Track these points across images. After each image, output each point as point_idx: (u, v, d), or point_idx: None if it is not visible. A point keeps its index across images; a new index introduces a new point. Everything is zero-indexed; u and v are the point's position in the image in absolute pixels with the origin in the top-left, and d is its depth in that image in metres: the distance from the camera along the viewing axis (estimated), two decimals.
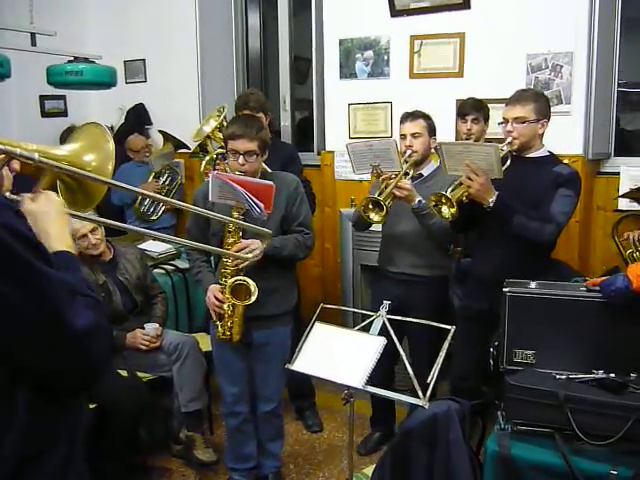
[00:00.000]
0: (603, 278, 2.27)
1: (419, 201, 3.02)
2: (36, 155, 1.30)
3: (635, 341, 2.10)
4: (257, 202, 2.45)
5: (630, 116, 4.82)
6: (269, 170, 3.05)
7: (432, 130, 3.25)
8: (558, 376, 2.07)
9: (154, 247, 4.28)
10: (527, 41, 4.05)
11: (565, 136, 3.75)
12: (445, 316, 3.27)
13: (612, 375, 2.01)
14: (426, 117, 3.25)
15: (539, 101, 2.85)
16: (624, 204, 4.08)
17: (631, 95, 4.77)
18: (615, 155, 4.39)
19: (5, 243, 1.06)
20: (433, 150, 3.33)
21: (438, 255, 3.26)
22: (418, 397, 1.92)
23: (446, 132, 4.03)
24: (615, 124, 4.44)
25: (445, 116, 4.14)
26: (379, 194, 2.96)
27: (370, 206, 2.96)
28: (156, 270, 4.08)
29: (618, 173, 4.21)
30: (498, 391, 2.20)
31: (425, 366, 2.47)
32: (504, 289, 2.38)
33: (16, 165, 1.31)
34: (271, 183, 2.55)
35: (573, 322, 2.22)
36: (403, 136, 3.21)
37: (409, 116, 3.24)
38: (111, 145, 1.54)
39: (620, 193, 4.12)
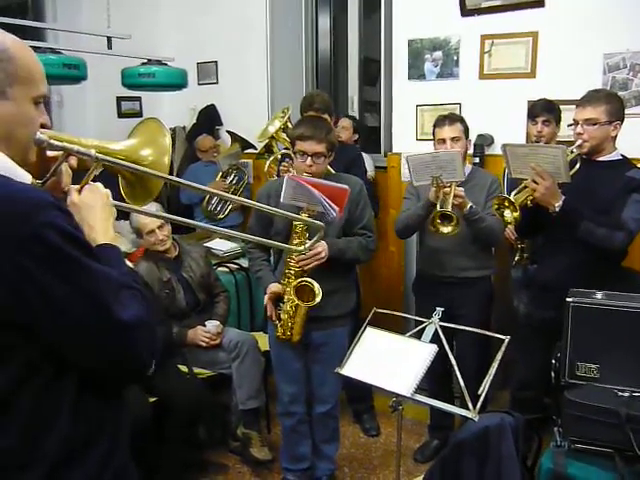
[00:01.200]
0: None
1: (470, 207, 2.96)
2: (93, 152, 1.32)
3: None
4: (332, 205, 2.44)
5: None
6: (333, 172, 3.04)
7: (467, 132, 3.21)
8: (620, 393, 1.97)
9: (220, 245, 4.35)
10: (604, 39, 3.87)
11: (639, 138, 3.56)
12: (491, 315, 3.23)
13: None
14: (462, 120, 3.22)
15: (612, 102, 2.71)
16: None
17: None
18: None
19: (52, 242, 1.09)
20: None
21: (484, 256, 3.24)
22: (468, 408, 1.86)
23: (516, 134, 3.92)
24: None
25: (516, 118, 4.02)
26: (442, 206, 2.90)
27: (438, 220, 2.90)
28: (220, 268, 4.14)
29: None
30: (556, 406, 2.10)
31: (473, 371, 2.41)
32: (568, 299, 2.28)
33: (73, 161, 1.34)
34: (346, 187, 2.53)
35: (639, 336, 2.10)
36: (441, 140, 3.15)
37: (446, 120, 3.19)
38: (167, 140, 1.56)
39: None
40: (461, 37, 4.35)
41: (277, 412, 3.14)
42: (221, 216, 4.77)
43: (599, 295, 2.28)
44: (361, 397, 3.80)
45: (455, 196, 2.91)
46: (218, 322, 3.46)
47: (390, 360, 2.08)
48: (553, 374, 2.39)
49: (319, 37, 5.60)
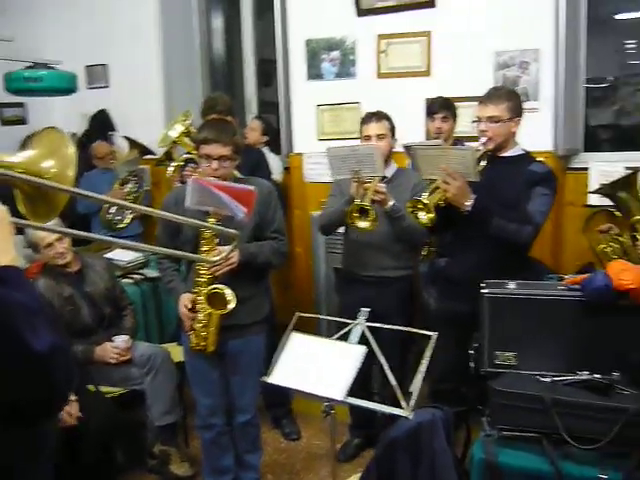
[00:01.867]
0: (583, 276, 2.25)
1: (393, 204, 2.98)
2: None
3: (616, 339, 2.08)
4: (239, 206, 2.38)
5: (596, 112, 4.86)
6: (239, 175, 2.98)
7: (393, 131, 3.23)
8: (542, 378, 2.04)
9: (122, 256, 4.16)
10: (494, 38, 4.04)
11: (534, 133, 3.73)
12: (415, 316, 3.28)
13: (597, 376, 1.99)
14: (388, 118, 3.23)
15: (512, 99, 2.82)
16: (594, 199, 4.09)
17: (596, 91, 4.80)
18: (584, 151, 4.42)
19: None
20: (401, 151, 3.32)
21: (408, 256, 3.25)
22: (401, 407, 1.87)
23: (416, 131, 4.01)
24: (583, 120, 4.46)
25: (414, 115, 4.11)
26: (361, 200, 2.90)
27: (355, 214, 2.89)
28: (124, 280, 3.97)
29: (587, 169, 4.23)
30: (482, 396, 2.16)
31: (398, 369, 2.43)
32: (482, 290, 2.34)
33: None
34: (252, 188, 2.48)
35: (554, 322, 2.19)
36: (367, 137, 3.17)
37: (373, 117, 3.20)
38: (71, 150, 1.44)
39: (589, 188, 4.14)
40: (357, 37, 4.41)
41: (196, 425, 3.04)
42: (121, 225, 4.58)
43: (512, 285, 2.36)
44: (280, 402, 3.76)
45: (376, 192, 2.92)
46: (127, 336, 3.31)
47: (319, 365, 2.05)
48: (472, 364, 2.45)
49: (212, 37, 5.50)
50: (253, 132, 4.67)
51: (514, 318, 2.25)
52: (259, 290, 2.90)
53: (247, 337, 2.83)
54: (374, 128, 3.16)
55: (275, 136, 4.93)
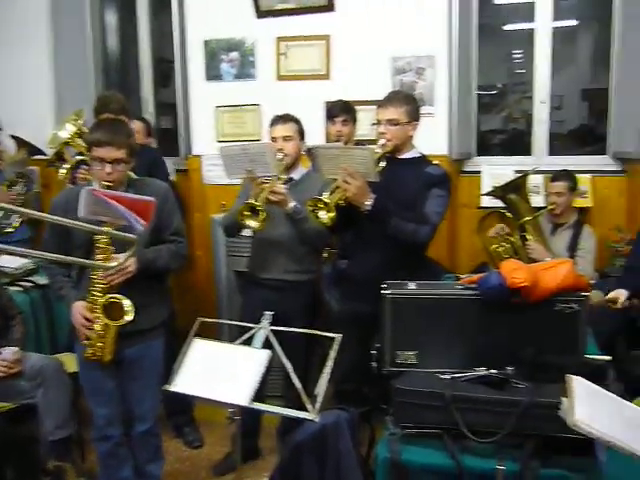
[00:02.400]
0: (478, 275, 2.32)
1: (294, 205, 2.98)
2: None
3: (510, 336, 2.16)
4: (137, 218, 2.28)
5: (486, 117, 5.08)
6: (134, 176, 2.87)
7: (302, 133, 3.23)
8: (442, 376, 2.09)
9: (9, 262, 3.92)
10: (391, 44, 4.14)
11: (430, 137, 3.84)
12: (317, 319, 3.29)
13: (493, 371, 2.06)
14: (296, 120, 3.23)
15: (410, 103, 2.90)
16: (486, 201, 4.27)
17: (486, 98, 5.02)
18: (476, 155, 4.60)
19: None
20: (304, 154, 3.32)
21: (311, 259, 3.25)
22: (306, 410, 1.87)
23: (316, 135, 4.03)
24: (475, 125, 4.65)
25: (314, 118, 4.14)
26: (255, 199, 2.88)
27: (246, 212, 2.87)
28: (12, 288, 3.74)
29: (479, 172, 4.41)
30: (385, 395, 2.19)
31: (301, 372, 2.42)
32: (384, 291, 2.36)
33: None
34: (152, 199, 2.38)
35: (452, 320, 2.25)
36: (274, 139, 3.17)
37: (280, 119, 3.20)
38: None
39: (482, 191, 4.31)
40: (257, 38, 4.39)
41: (92, 437, 2.91)
42: (9, 230, 4.32)
43: (412, 285, 2.39)
44: (181, 410, 3.66)
45: (274, 192, 2.90)
46: (15, 348, 3.12)
47: (222, 371, 2.01)
48: (375, 364, 2.48)
49: (107, 34, 5.30)
50: (136, 134, 4.52)
51: (414, 318, 2.29)
52: (159, 295, 2.81)
53: (146, 343, 2.74)
54: (280, 130, 3.16)
55: (163, 137, 4.82)
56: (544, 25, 4.45)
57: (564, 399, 1.59)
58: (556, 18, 4.45)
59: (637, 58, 3.98)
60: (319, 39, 4.26)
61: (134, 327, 2.60)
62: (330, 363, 1.99)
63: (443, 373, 2.12)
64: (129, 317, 2.50)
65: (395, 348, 2.31)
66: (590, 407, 1.55)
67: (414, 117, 2.90)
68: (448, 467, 1.87)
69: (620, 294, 3.11)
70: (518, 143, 4.96)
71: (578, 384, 1.66)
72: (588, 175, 4.20)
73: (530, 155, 4.56)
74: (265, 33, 4.35)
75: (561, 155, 4.57)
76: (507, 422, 1.87)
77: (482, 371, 2.08)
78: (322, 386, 1.93)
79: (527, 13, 4.53)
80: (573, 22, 4.89)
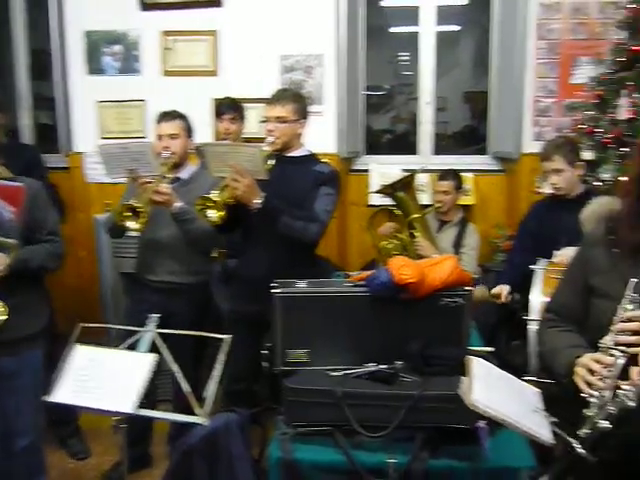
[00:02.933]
0: (367, 272, 2.34)
1: (180, 206, 2.90)
2: None
3: (398, 331, 2.20)
4: (6, 205, 2.14)
5: (374, 117, 5.18)
6: (8, 174, 2.69)
7: (189, 131, 3.15)
8: (333, 373, 2.10)
9: None
10: (280, 42, 4.13)
11: (319, 135, 3.87)
12: (208, 320, 3.22)
13: (382, 366, 2.09)
14: (183, 117, 3.14)
15: (298, 101, 2.89)
16: (375, 199, 4.35)
17: (374, 98, 5.13)
18: (365, 154, 4.68)
19: None
20: (192, 151, 3.24)
21: (199, 260, 3.17)
22: (196, 415, 1.81)
23: (204, 132, 3.95)
24: (363, 125, 4.73)
25: (202, 115, 4.06)
26: (135, 200, 2.78)
27: (126, 213, 2.76)
28: None
29: (368, 170, 4.49)
30: (276, 395, 2.17)
31: (191, 375, 2.36)
32: (274, 290, 2.34)
33: None
34: (21, 184, 2.24)
35: (342, 318, 2.26)
36: (159, 137, 3.07)
37: (165, 116, 3.10)
38: None
39: (370, 189, 4.39)
40: (141, 32, 4.25)
41: None
42: None
43: (302, 284, 2.39)
44: (65, 420, 3.48)
45: (159, 193, 2.81)
46: None
47: (106, 377, 1.91)
48: (266, 364, 2.45)
49: None
50: None
51: (305, 316, 2.28)
52: (35, 298, 2.64)
53: (23, 352, 2.56)
54: (166, 128, 3.06)
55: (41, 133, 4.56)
56: (428, 29, 4.59)
57: (463, 378, 1.63)
58: (439, 23, 4.61)
59: (513, 63, 4.19)
60: (206, 34, 4.19)
61: (8, 335, 2.42)
62: (219, 365, 1.94)
63: (334, 370, 2.12)
64: (3, 317, 2.33)
65: (286, 347, 2.29)
66: (487, 387, 1.59)
67: (303, 115, 2.89)
68: (340, 463, 1.87)
69: (503, 289, 3.25)
70: (405, 143, 5.10)
71: (477, 364, 1.70)
72: (470, 174, 4.38)
73: (416, 154, 4.69)
74: (150, 26, 4.22)
75: (445, 155, 4.74)
76: (397, 416, 1.89)
77: (372, 367, 2.10)
78: (211, 388, 1.88)
79: (412, 17, 4.66)
80: (455, 27, 5.08)
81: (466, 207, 4.28)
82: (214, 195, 2.63)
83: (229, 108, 3.75)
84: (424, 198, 4.25)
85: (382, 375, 2.05)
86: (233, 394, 3.01)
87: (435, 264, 2.30)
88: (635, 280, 1.59)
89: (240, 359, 2.94)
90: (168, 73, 4.27)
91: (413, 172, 3.88)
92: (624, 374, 1.51)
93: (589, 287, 1.81)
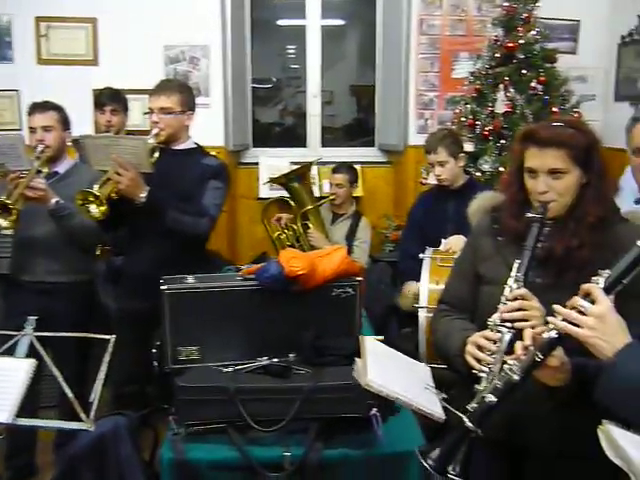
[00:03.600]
0: (258, 266, 2.32)
1: (56, 202, 2.74)
2: None
3: (289, 323, 2.20)
4: None
5: (262, 110, 5.15)
6: None
7: (66, 123, 2.98)
8: (225, 369, 2.06)
9: None
10: (163, 32, 4.01)
11: (206, 128, 3.80)
12: (95, 321, 3.08)
13: (275, 360, 2.08)
14: (58, 108, 2.97)
15: (184, 92, 2.81)
16: (265, 192, 4.34)
17: (261, 91, 5.10)
18: (253, 146, 4.65)
19: None
20: (70, 145, 3.08)
21: (81, 258, 3.02)
22: (81, 420, 1.72)
23: (83, 124, 3.77)
24: (251, 117, 4.70)
25: (81, 107, 3.87)
26: (7, 196, 2.60)
27: None
28: None
29: (257, 163, 4.46)
30: (167, 395, 2.10)
31: (74, 378, 2.25)
32: (162, 287, 2.27)
33: None
34: None
35: (233, 312, 2.22)
36: (33, 129, 2.89)
37: (38, 107, 2.92)
38: None
39: (260, 182, 4.37)
40: (12, 17, 3.99)
41: None
42: None
43: (191, 279, 2.33)
44: None
45: (33, 188, 2.65)
46: None
47: None
48: (156, 363, 2.38)
49: None
50: None
51: (195, 312, 2.23)
52: None
53: None
54: (39, 120, 2.88)
55: None
56: (314, 22, 4.61)
57: (357, 360, 1.64)
58: (326, 16, 4.64)
59: (397, 57, 4.29)
60: (84, 22, 3.99)
61: None
62: (104, 367, 1.85)
63: (227, 366, 2.09)
64: None
65: (176, 345, 2.24)
66: (381, 367, 1.61)
67: (189, 106, 2.82)
68: (235, 460, 1.84)
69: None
70: (293, 136, 5.11)
71: (370, 345, 1.72)
72: (358, 166, 4.44)
73: (305, 147, 4.71)
74: (22, 11, 3.97)
75: (333, 147, 4.79)
76: (291, 409, 1.89)
77: (264, 361, 2.08)
78: (97, 392, 1.79)
79: (299, 10, 4.67)
80: (340, 21, 5.14)
81: (355, 199, 4.34)
82: (96, 190, 2.51)
83: (111, 99, 3.60)
84: (314, 191, 4.27)
85: (275, 369, 2.03)
86: (123, 396, 2.90)
87: (325, 255, 2.31)
88: (519, 261, 1.67)
89: (129, 360, 2.83)
90: (43, 61, 4.04)
91: (310, 163, 3.89)
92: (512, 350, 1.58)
93: (478, 275, 1.89)
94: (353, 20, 5.17)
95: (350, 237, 4.00)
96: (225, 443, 1.88)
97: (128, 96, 3.72)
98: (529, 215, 1.71)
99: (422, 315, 2.80)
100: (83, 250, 3.00)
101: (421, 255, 2.94)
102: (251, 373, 2.04)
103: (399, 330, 3.56)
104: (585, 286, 1.28)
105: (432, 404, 1.56)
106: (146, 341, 2.64)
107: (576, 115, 3.57)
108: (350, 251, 3.74)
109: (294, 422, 1.89)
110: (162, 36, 4.02)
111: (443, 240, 3.06)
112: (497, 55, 3.65)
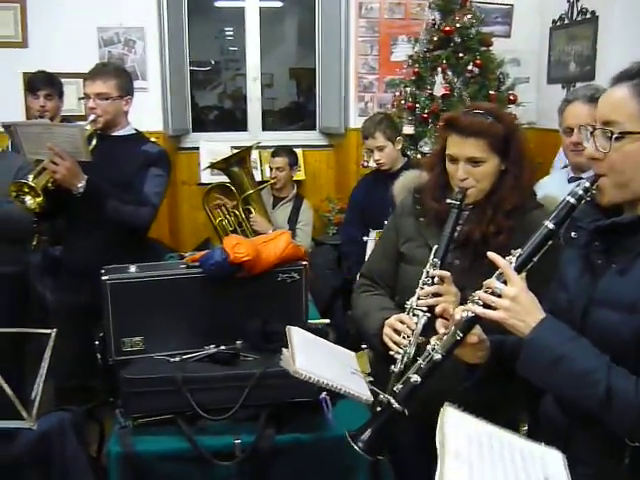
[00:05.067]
0: (202, 253, 2.30)
1: None
2: None
3: (236, 310, 2.18)
4: None
5: (201, 94, 5.07)
6: None
7: None
8: (172, 359, 2.04)
9: None
10: (97, 13, 3.88)
11: (144, 113, 3.72)
12: (31, 314, 2.99)
13: (222, 347, 2.06)
14: None
15: (121, 76, 2.74)
16: (206, 177, 4.28)
17: (200, 74, 5.01)
18: (193, 131, 4.57)
19: None
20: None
21: (12, 249, 2.92)
22: (22, 418, 1.67)
23: (14, 110, 3.64)
24: (190, 101, 4.61)
25: (11, 91, 3.73)
26: None
27: None
28: None
29: (198, 148, 4.39)
30: (112, 387, 2.06)
31: (15, 376, 2.19)
32: (103, 277, 2.22)
33: None
34: None
35: (178, 301, 2.19)
36: None
37: None
38: None
39: (201, 167, 4.30)
40: None
41: None
42: None
43: (133, 269, 2.28)
44: None
45: None
46: None
47: None
48: (99, 356, 2.33)
49: None
50: None
51: (139, 302, 2.18)
52: None
53: None
54: None
55: None
56: (252, 4, 4.55)
57: (284, 350, 1.65)
58: None
59: (337, 40, 4.28)
60: (11, 2, 3.82)
61: None
62: (45, 362, 1.80)
63: (173, 356, 2.06)
64: None
65: (120, 336, 2.19)
66: (308, 354, 1.63)
67: (127, 91, 2.75)
68: (185, 451, 1.83)
69: None
70: (233, 119, 5.05)
71: (296, 334, 1.73)
72: (300, 150, 4.43)
73: (246, 131, 4.67)
74: None
75: (274, 131, 4.76)
76: (240, 396, 1.88)
77: (212, 349, 2.06)
78: (39, 388, 1.74)
79: None
80: (279, 3, 5.08)
81: (297, 182, 4.33)
82: (31, 180, 2.43)
83: (44, 83, 3.46)
84: (255, 175, 4.24)
85: (222, 356, 2.02)
86: (66, 391, 2.83)
87: (269, 240, 2.31)
88: (437, 246, 1.73)
89: (71, 353, 2.77)
90: None
91: (249, 147, 3.85)
92: (431, 331, 1.62)
93: (399, 253, 1.94)
94: (291, 2, 5.12)
95: (292, 221, 4.01)
96: (174, 434, 1.86)
97: (62, 80, 3.60)
98: (448, 201, 1.77)
99: None
100: (13, 240, 2.90)
101: (365, 238, 2.96)
102: (198, 362, 2.02)
103: (344, 313, 3.60)
104: (498, 263, 1.31)
105: (360, 387, 1.59)
106: (87, 333, 2.58)
107: (511, 97, 3.65)
108: (293, 235, 3.74)
109: (244, 409, 1.88)
110: (95, 17, 3.89)
111: (385, 222, 3.09)
112: (435, 39, 3.68)
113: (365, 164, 3.84)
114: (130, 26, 3.93)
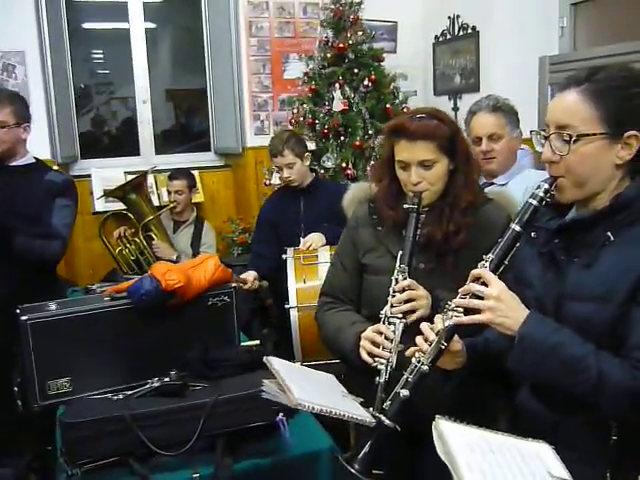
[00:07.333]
0: (127, 284, 2.20)
1: None
2: None
3: (174, 338, 2.11)
4: None
5: (85, 119, 4.85)
6: None
7: None
8: (115, 397, 1.92)
9: None
10: None
11: (32, 140, 3.53)
12: None
13: (166, 379, 1.96)
14: None
15: (16, 102, 2.59)
16: (100, 205, 4.10)
17: (82, 99, 4.79)
18: (82, 158, 4.38)
19: None
20: None
21: None
22: None
23: None
24: (77, 126, 4.42)
25: None
26: None
27: None
28: None
29: (89, 175, 4.20)
30: (47, 435, 1.91)
31: None
32: (22, 317, 2.07)
33: None
34: None
35: (107, 336, 2.09)
36: None
37: None
38: None
39: (95, 195, 4.11)
40: None
41: None
42: None
43: (53, 306, 2.15)
44: None
45: None
46: None
47: None
48: (20, 403, 2.17)
49: None
50: None
51: (63, 341, 2.05)
52: None
53: None
54: None
55: None
56: (138, 26, 4.45)
57: (267, 381, 1.56)
58: (147, 19, 4.50)
59: (228, 60, 4.26)
60: None
61: None
62: None
63: (116, 394, 1.95)
64: None
65: (44, 379, 2.05)
66: (298, 384, 1.57)
67: (24, 118, 2.60)
68: None
69: (249, 274, 3.22)
70: (124, 144, 4.86)
71: (277, 364, 1.63)
72: (196, 172, 4.36)
73: (138, 155, 4.52)
74: None
75: (167, 155, 4.65)
76: (194, 428, 1.81)
77: (155, 382, 1.97)
78: None
79: (117, 14, 4.47)
80: (153, 25, 4.95)
81: (196, 205, 4.25)
82: None
83: None
84: (153, 200, 4.12)
85: (169, 388, 1.93)
86: None
87: (198, 265, 2.29)
88: (401, 252, 1.76)
89: None
90: None
91: (145, 172, 3.73)
92: (406, 338, 1.64)
93: (361, 265, 1.94)
94: (166, 24, 5.02)
95: (195, 244, 3.94)
96: (127, 475, 1.75)
97: None
98: (406, 206, 1.80)
99: (294, 314, 2.81)
100: None
101: (284, 256, 2.95)
102: (144, 397, 1.92)
103: (260, 331, 3.57)
104: (475, 271, 1.37)
105: (358, 410, 1.56)
106: (2, 380, 2.39)
107: (405, 110, 3.79)
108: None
109: (199, 440, 1.81)
110: None
111: (301, 239, 3.09)
112: (329, 55, 3.76)
113: (267, 182, 3.83)
114: (9, 50, 3.69)
